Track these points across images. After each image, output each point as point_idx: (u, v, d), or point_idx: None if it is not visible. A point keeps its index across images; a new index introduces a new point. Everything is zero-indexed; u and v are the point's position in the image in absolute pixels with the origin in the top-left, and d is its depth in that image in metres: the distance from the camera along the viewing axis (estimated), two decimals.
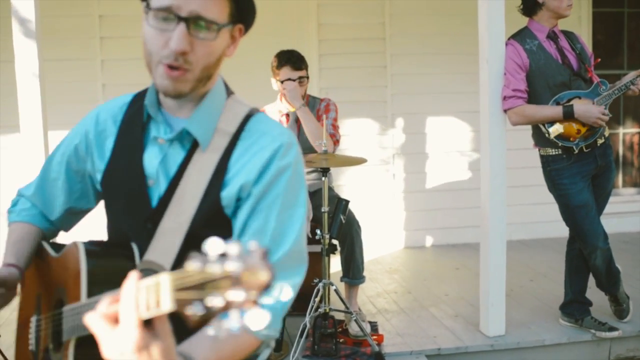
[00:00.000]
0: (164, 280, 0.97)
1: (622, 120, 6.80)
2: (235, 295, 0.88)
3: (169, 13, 1.31)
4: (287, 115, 4.12)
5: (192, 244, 1.37)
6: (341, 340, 3.70)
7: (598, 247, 3.71)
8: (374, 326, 3.99)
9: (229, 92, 1.54)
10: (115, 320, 1.08)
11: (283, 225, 1.39)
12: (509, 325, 3.94)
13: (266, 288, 0.89)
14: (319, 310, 3.56)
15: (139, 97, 1.56)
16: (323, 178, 3.51)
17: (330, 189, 4.13)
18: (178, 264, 1.35)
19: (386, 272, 5.41)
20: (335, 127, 4.04)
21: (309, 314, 3.51)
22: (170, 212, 1.40)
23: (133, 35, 5.02)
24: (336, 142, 4.06)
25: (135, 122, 1.52)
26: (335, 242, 3.62)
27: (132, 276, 1.10)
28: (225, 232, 1.41)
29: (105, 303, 1.11)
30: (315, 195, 4.05)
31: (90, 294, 1.32)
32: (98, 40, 5.70)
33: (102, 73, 5.71)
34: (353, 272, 3.92)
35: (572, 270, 3.94)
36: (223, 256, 0.90)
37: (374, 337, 3.75)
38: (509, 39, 3.80)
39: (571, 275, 3.96)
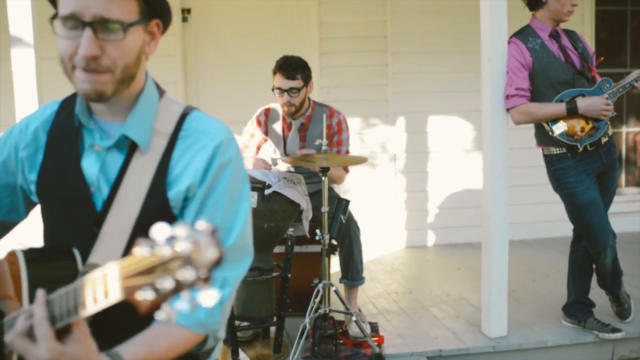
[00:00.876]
0: (111, 270, 0.97)
1: (625, 119, 6.75)
2: (186, 274, 0.88)
3: (74, 20, 1.30)
4: (290, 124, 4.06)
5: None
6: (341, 342, 3.66)
7: (608, 245, 3.67)
8: (374, 327, 3.95)
9: (161, 92, 1.53)
10: (30, 334, 1.15)
11: (228, 221, 1.43)
12: (511, 326, 3.90)
13: (217, 264, 0.89)
14: (319, 311, 3.53)
15: (67, 103, 1.54)
16: (323, 178, 3.47)
17: (330, 189, 4.09)
18: None
19: (387, 272, 5.37)
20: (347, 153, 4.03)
21: (309, 315, 3.48)
22: (112, 215, 1.40)
23: None
24: (348, 171, 4.07)
25: (66, 130, 1.49)
26: (335, 242, 3.57)
27: (40, 293, 1.16)
28: None
29: (21, 319, 1.17)
30: (315, 196, 4.01)
31: (32, 301, 1.27)
32: None
33: None
34: (352, 273, 3.88)
35: (576, 271, 3.91)
36: (172, 239, 0.90)
37: (375, 338, 3.71)
38: (511, 37, 3.76)
39: (575, 276, 3.92)
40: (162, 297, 0.91)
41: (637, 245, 5.84)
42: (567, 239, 3.98)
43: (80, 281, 1.07)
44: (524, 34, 3.74)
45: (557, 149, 3.67)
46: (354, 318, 3.56)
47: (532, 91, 3.67)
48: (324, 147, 3.47)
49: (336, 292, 3.54)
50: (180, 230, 0.90)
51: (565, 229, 3.98)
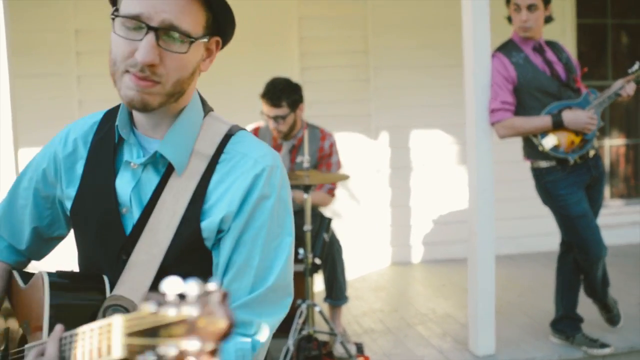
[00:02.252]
0: (117, 323, 0.88)
1: (608, 132, 6.75)
2: (190, 344, 0.78)
3: (138, 22, 1.20)
4: (281, 144, 3.98)
5: (164, 277, 1.27)
6: None
7: (601, 257, 3.64)
8: (359, 347, 3.86)
9: (207, 109, 1.40)
10: None
11: (268, 259, 1.29)
12: (498, 344, 3.83)
13: (225, 336, 0.78)
14: (303, 332, 3.44)
15: (111, 115, 1.43)
16: (305, 195, 3.39)
17: (313, 207, 4.01)
18: None
19: (372, 289, 5.29)
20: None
21: (293, 336, 3.38)
22: (143, 242, 1.28)
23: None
24: (334, 195, 4.01)
25: (106, 144, 1.38)
26: (318, 261, 3.49)
27: (56, 330, 1.06)
28: (204, 266, 1.32)
29: (32, 355, 1.07)
30: (297, 214, 3.93)
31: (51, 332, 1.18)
32: (74, 55, 5.57)
33: (79, 89, 5.57)
34: (336, 292, 3.81)
35: (565, 286, 3.85)
36: (182, 297, 0.80)
37: (360, 358, 3.62)
38: (494, 51, 3.73)
39: (563, 291, 3.86)
40: None
41: (622, 258, 5.80)
42: (552, 253, 3.94)
43: (86, 326, 0.98)
44: (507, 49, 3.71)
45: (547, 162, 3.64)
46: (338, 339, 3.47)
47: (517, 105, 3.64)
48: (305, 164, 3.39)
49: (320, 312, 3.45)
50: (191, 288, 0.80)
51: (550, 243, 3.93)
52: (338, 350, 3.63)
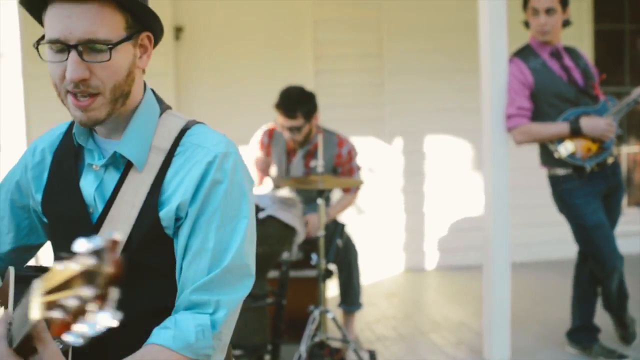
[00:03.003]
0: (35, 287, 0.94)
1: (626, 139, 6.67)
2: (86, 291, 0.83)
3: (60, 44, 1.28)
4: (295, 149, 3.95)
5: (127, 269, 1.30)
6: None
7: (616, 268, 3.57)
8: (372, 355, 3.80)
9: (164, 107, 1.48)
10: None
11: (223, 241, 1.36)
12: (513, 353, 3.77)
13: (112, 282, 0.83)
14: (315, 338, 3.39)
15: (73, 125, 1.50)
16: (319, 201, 3.34)
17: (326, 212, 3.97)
18: None
19: (385, 296, 5.24)
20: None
21: (305, 343, 3.34)
22: (103, 233, 1.36)
23: None
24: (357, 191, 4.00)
25: (68, 151, 1.48)
26: (331, 267, 3.45)
27: (2, 313, 1.16)
28: (166, 255, 1.39)
29: None
30: None
31: None
32: None
33: None
34: (351, 298, 3.77)
35: (581, 295, 3.79)
36: (87, 253, 0.85)
37: None
38: (511, 56, 3.69)
39: (579, 301, 3.80)
40: (71, 317, 0.85)
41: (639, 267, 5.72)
42: (568, 261, 3.88)
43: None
44: (524, 54, 3.66)
45: (563, 169, 3.58)
46: (351, 346, 3.42)
47: (533, 111, 3.59)
48: (319, 169, 3.35)
49: (334, 319, 3.41)
50: (93, 243, 0.85)
51: (565, 251, 3.87)
52: (350, 357, 3.59)
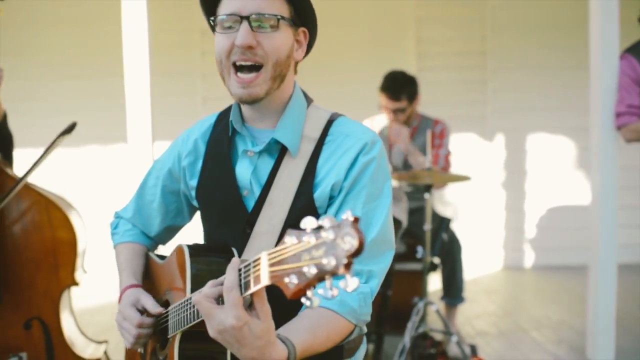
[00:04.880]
0: (263, 257, 1.06)
1: None
2: (328, 261, 0.93)
3: (233, 17, 1.42)
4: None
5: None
6: None
7: None
8: (473, 349, 3.83)
9: (309, 100, 1.60)
10: (218, 300, 1.20)
11: (368, 215, 1.46)
12: (617, 354, 3.72)
13: (357, 253, 0.92)
14: (418, 330, 3.46)
15: (223, 115, 1.66)
16: (426, 195, 3.42)
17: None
18: None
19: (484, 292, 5.24)
20: (448, 160, 3.96)
21: (409, 334, 3.42)
22: (263, 216, 1.49)
23: None
24: (448, 168, 4.00)
25: (222, 139, 1.60)
26: (435, 260, 3.51)
27: (234, 261, 1.20)
28: None
29: (209, 285, 1.23)
30: (416, 213, 3.96)
31: (194, 290, 1.37)
32: (199, 54, 5.83)
33: (203, 87, 5.83)
34: (454, 292, 3.81)
35: None
36: (318, 229, 0.96)
37: None
38: (623, 52, 3.62)
39: None
40: (307, 283, 0.96)
41: None
42: None
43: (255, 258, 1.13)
44: (637, 50, 3.58)
45: None
46: (454, 339, 3.47)
47: None
48: (427, 164, 3.41)
49: (438, 311, 3.47)
50: (325, 220, 0.95)
51: None
52: (452, 350, 3.64)
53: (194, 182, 1.65)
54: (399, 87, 3.84)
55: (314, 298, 0.97)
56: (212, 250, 1.56)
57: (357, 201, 1.46)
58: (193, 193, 1.66)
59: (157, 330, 1.56)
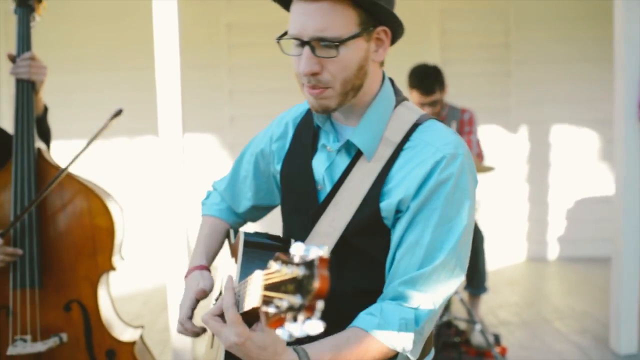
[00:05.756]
0: (257, 278, 1.06)
1: None
2: (294, 299, 0.92)
3: (297, 40, 1.36)
4: None
5: (343, 248, 1.42)
6: (464, 350, 3.65)
7: None
8: (497, 338, 3.90)
9: (400, 99, 1.51)
10: (222, 316, 1.24)
11: (438, 240, 1.36)
12: None
13: (319, 296, 0.90)
14: (443, 318, 3.53)
15: None
16: None
17: None
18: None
19: (507, 283, 5.29)
20: (479, 146, 4.01)
21: None
22: (327, 216, 1.44)
23: (259, 43, 5.18)
24: (482, 159, 4.06)
25: (308, 129, 1.57)
26: None
27: (228, 279, 1.25)
28: (381, 242, 1.43)
29: (218, 302, 1.26)
30: None
31: (242, 279, 1.38)
32: (226, 48, 5.91)
33: (229, 80, 5.90)
34: (477, 281, 3.86)
35: None
36: (299, 259, 0.94)
37: (498, 348, 3.67)
38: None
39: None
40: (280, 316, 0.95)
41: None
42: None
43: (249, 277, 1.15)
44: None
45: None
46: (478, 327, 3.53)
47: None
48: None
49: (462, 300, 3.53)
50: (311, 251, 0.93)
51: None
52: (475, 338, 3.70)
53: (278, 167, 1.63)
54: (430, 81, 3.86)
55: (283, 332, 0.94)
56: (270, 240, 1.53)
57: (428, 223, 1.36)
58: (278, 177, 1.64)
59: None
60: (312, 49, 1.34)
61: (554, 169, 6.06)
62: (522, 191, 6.06)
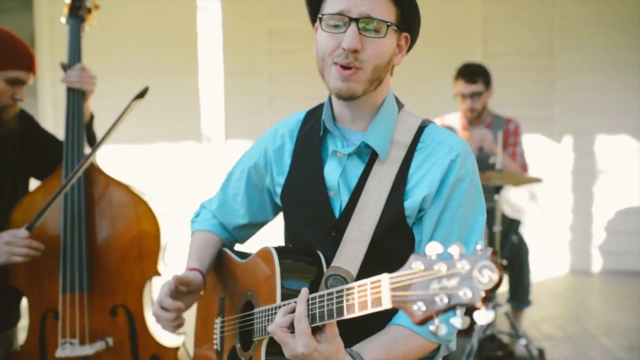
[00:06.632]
0: (384, 280, 1.08)
1: None
2: (464, 293, 0.93)
3: (340, 17, 1.40)
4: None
5: (375, 252, 1.46)
6: None
7: None
8: (541, 352, 3.81)
9: (400, 105, 1.58)
10: (290, 327, 1.28)
11: (465, 235, 1.45)
12: None
13: (495, 288, 0.92)
14: (486, 332, 3.46)
15: (312, 114, 1.65)
16: (496, 196, 3.40)
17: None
18: (363, 270, 1.43)
19: (550, 296, 5.18)
20: (524, 159, 3.95)
21: (476, 335, 3.42)
22: (354, 221, 1.47)
23: (300, 49, 5.17)
24: (525, 170, 3.97)
25: (311, 137, 1.59)
26: (504, 262, 3.50)
27: (304, 292, 1.28)
28: (405, 242, 1.49)
29: (281, 314, 1.31)
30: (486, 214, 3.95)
31: (284, 297, 1.42)
32: (266, 54, 5.92)
33: (270, 86, 5.91)
34: (521, 295, 3.80)
35: None
36: (447, 256, 0.96)
37: None
38: None
39: None
40: (436, 312, 0.96)
41: None
42: None
43: (345, 286, 1.19)
44: None
45: None
46: (522, 341, 3.46)
47: None
48: (498, 166, 3.40)
49: (506, 314, 3.46)
50: (455, 249, 0.96)
51: None
52: (519, 351, 3.62)
53: (281, 179, 1.64)
54: (475, 70, 3.88)
55: (441, 326, 0.98)
56: (299, 254, 1.55)
57: (454, 221, 1.44)
58: (279, 190, 1.65)
59: (237, 330, 1.59)
60: (358, 27, 1.39)
61: (599, 179, 5.93)
62: (566, 202, 5.94)
